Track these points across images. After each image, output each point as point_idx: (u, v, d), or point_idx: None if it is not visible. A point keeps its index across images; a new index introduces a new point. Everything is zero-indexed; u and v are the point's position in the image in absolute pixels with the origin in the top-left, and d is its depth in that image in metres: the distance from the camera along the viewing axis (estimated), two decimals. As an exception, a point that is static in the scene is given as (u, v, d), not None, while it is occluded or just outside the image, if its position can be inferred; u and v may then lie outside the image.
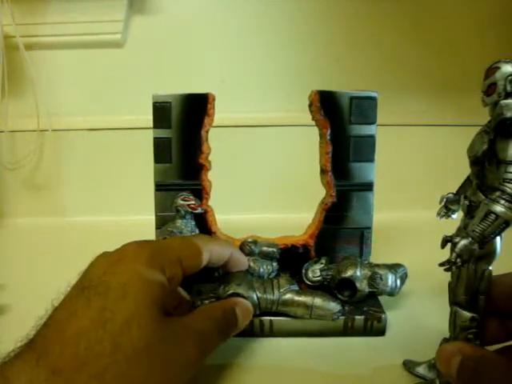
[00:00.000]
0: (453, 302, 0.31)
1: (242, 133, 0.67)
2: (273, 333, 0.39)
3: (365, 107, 0.43)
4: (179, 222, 0.43)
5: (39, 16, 0.64)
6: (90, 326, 0.25)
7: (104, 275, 0.29)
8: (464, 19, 0.67)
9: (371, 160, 0.43)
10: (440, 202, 0.34)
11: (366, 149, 0.43)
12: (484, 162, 0.28)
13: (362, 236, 0.44)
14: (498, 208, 0.26)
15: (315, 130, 0.45)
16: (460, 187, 0.33)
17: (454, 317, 0.31)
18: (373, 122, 0.43)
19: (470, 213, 0.29)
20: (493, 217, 0.26)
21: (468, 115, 0.68)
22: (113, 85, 0.68)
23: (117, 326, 0.26)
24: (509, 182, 0.26)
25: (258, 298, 0.38)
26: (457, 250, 0.27)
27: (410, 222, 0.63)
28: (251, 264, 0.41)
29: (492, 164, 0.28)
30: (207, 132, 0.44)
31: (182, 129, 0.44)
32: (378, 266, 0.41)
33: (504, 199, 0.26)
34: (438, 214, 0.34)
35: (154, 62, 0.67)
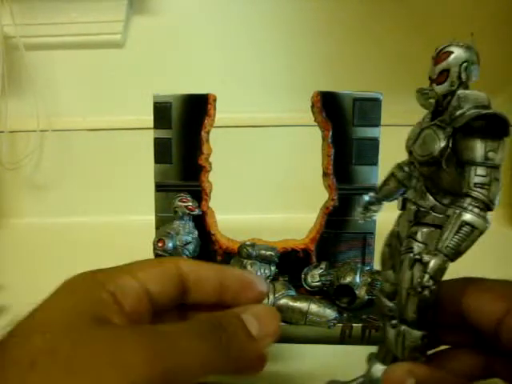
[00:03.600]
0: (399, 321, 0.26)
1: (242, 133, 0.67)
2: None
3: (368, 109, 0.42)
4: (176, 224, 0.43)
5: (39, 16, 0.64)
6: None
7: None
8: (464, 21, 0.67)
9: (374, 163, 0.43)
10: (359, 205, 0.32)
11: (370, 152, 0.42)
12: (441, 163, 0.25)
13: (364, 241, 0.43)
14: (474, 218, 0.23)
15: (318, 130, 0.44)
16: (382, 186, 0.31)
17: (402, 338, 0.26)
18: (376, 125, 0.42)
19: (417, 218, 0.26)
20: (467, 228, 0.23)
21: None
22: (113, 85, 0.67)
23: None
24: (480, 187, 0.23)
25: None
26: (430, 271, 0.23)
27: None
28: (248, 267, 0.40)
29: (450, 165, 0.24)
30: (208, 133, 0.44)
31: (183, 129, 0.43)
32: (378, 272, 0.40)
33: (477, 207, 0.23)
34: (358, 216, 0.32)
35: (154, 62, 0.66)
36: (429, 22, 0.66)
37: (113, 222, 0.66)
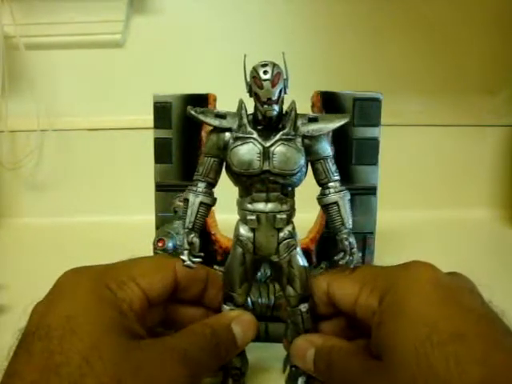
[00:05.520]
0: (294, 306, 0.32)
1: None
2: (268, 338, 0.38)
3: (368, 109, 0.42)
4: (176, 223, 0.43)
5: (39, 16, 0.64)
6: (40, 379, 0.21)
7: (42, 318, 0.24)
8: (464, 21, 0.67)
9: (374, 163, 0.43)
10: (186, 247, 0.30)
11: (370, 152, 0.43)
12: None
13: (364, 241, 0.43)
14: (348, 193, 0.30)
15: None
16: (195, 219, 0.30)
17: (301, 315, 0.31)
18: (376, 125, 0.42)
19: (289, 222, 0.31)
20: (349, 203, 0.30)
21: (468, 115, 0.68)
22: (113, 85, 0.67)
23: (74, 367, 0.22)
24: (336, 171, 0.30)
25: (252, 303, 0.37)
26: (355, 250, 0.30)
27: (412, 223, 0.62)
28: None
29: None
30: (208, 133, 0.44)
31: (183, 129, 0.43)
32: None
33: (341, 184, 0.31)
34: (187, 261, 0.30)
35: (154, 62, 0.66)
36: (429, 23, 0.66)
37: (113, 222, 0.66)
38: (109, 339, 0.23)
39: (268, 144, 0.29)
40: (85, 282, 0.27)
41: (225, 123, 0.30)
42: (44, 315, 0.25)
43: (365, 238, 0.43)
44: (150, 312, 0.30)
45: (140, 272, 0.29)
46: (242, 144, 0.29)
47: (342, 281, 0.30)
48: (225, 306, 0.32)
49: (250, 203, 0.30)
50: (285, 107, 0.30)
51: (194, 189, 0.30)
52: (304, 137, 0.29)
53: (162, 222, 0.44)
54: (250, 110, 0.30)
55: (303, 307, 0.31)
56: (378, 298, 0.27)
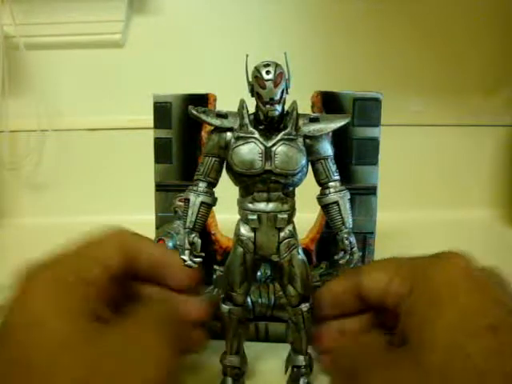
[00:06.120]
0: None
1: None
2: (268, 338, 0.38)
3: (368, 109, 0.42)
4: (176, 223, 0.43)
5: (39, 16, 0.64)
6: (9, 380, 0.22)
7: (8, 318, 0.24)
8: (464, 21, 0.67)
9: (374, 163, 0.43)
10: (186, 246, 0.30)
11: (370, 152, 0.42)
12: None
13: (364, 241, 0.43)
14: (348, 192, 0.30)
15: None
16: (196, 218, 0.30)
17: (302, 316, 0.32)
18: (376, 125, 0.42)
19: (289, 222, 0.31)
20: (349, 203, 0.30)
21: (468, 115, 0.68)
22: (113, 85, 0.68)
23: (43, 365, 0.22)
24: (336, 171, 0.30)
25: (252, 303, 0.37)
26: (354, 243, 0.30)
27: (412, 223, 0.62)
28: None
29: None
30: (208, 133, 0.44)
31: (183, 129, 0.43)
32: None
33: (341, 183, 0.31)
34: (188, 260, 0.30)
35: (154, 62, 0.67)
36: (428, 23, 0.66)
37: (113, 222, 0.66)
38: (75, 329, 0.23)
39: (270, 144, 0.29)
40: (44, 273, 0.26)
41: (226, 123, 0.30)
42: (8, 316, 0.24)
43: (365, 238, 0.43)
44: (111, 289, 0.29)
45: (99, 249, 0.29)
46: (243, 144, 0.29)
47: (371, 271, 0.30)
48: (224, 306, 0.32)
49: (251, 203, 0.30)
50: (286, 107, 0.30)
51: (195, 189, 0.30)
52: (305, 137, 0.29)
53: (162, 222, 0.44)
54: (251, 109, 0.30)
55: (304, 307, 0.31)
56: (409, 286, 0.26)
